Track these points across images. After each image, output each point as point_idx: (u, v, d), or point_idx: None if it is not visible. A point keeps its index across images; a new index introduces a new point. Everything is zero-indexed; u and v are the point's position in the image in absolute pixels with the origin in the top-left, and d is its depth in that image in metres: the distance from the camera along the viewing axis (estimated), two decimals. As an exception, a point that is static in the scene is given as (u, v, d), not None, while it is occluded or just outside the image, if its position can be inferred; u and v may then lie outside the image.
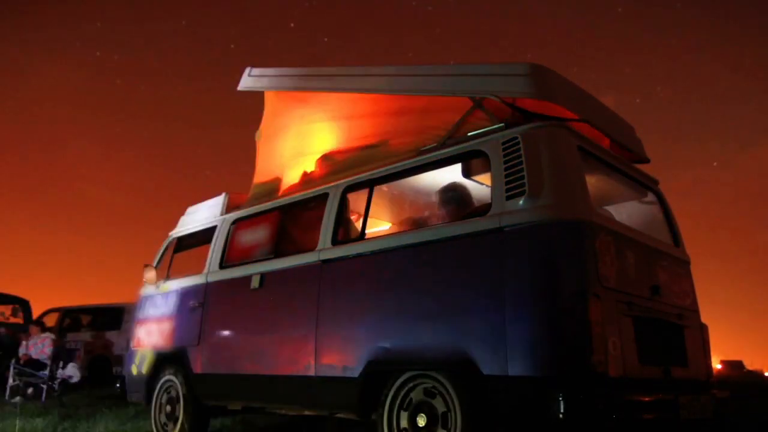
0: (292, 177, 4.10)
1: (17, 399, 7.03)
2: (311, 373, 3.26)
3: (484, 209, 2.78)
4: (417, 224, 3.29)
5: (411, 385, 2.82)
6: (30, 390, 7.14)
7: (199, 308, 4.22)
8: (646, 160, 3.67)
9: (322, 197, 3.66)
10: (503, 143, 2.78)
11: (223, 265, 4.19)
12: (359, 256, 3.23)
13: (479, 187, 3.33)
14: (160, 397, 4.47)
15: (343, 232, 3.48)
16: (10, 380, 7.30)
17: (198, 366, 4.09)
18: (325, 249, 3.41)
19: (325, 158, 3.91)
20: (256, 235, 4.05)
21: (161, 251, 4.99)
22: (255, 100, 4.69)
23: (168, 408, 4.35)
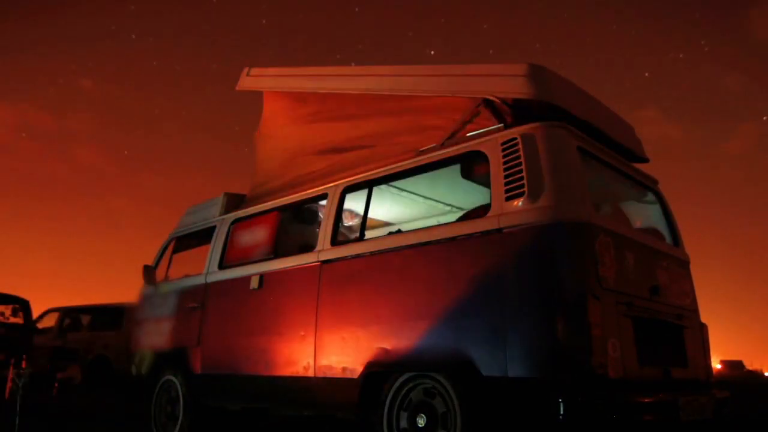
0: (291, 177, 4.09)
1: (17, 399, 7.03)
2: (311, 373, 3.26)
3: (483, 210, 2.77)
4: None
5: (411, 385, 2.82)
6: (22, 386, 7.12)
7: (198, 309, 4.22)
8: (646, 160, 3.66)
9: (321, 198, 3.66)
10: (502, 144, 2.77)
11: (222, 266, 4.19)
12: (358, 256, 3.22)
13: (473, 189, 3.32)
14: (159, 397, 4.48)
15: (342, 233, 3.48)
16: (11, 380, 7.30)
17: (198, 366, 4.08)
18: (324, 249, 3.40)
19: (324, 158, 3.90)
20: (255, 236, 4.05)
21: (161, 251, 4.98)
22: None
23: (168, 408, 4.36)
